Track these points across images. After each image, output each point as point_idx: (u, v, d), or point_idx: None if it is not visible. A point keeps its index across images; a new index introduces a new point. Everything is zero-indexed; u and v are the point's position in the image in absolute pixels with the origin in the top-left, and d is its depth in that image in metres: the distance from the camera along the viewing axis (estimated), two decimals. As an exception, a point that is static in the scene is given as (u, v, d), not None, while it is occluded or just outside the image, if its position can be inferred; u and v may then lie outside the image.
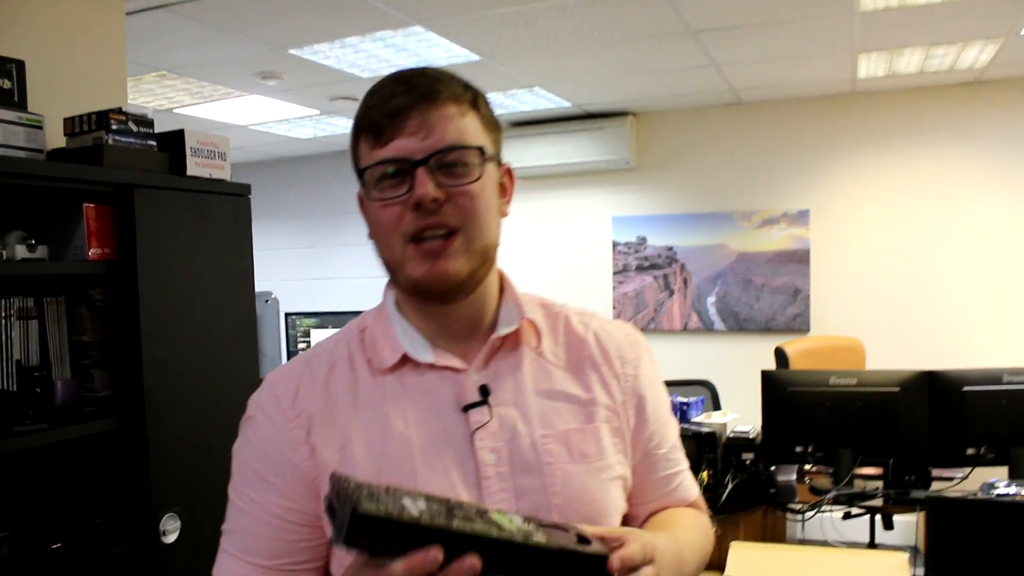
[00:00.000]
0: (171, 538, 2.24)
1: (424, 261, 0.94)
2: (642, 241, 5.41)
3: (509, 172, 1.05)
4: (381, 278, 1.02)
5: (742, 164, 5.17)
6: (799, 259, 5.01)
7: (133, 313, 2.20)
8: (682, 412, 3.37)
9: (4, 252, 2.04)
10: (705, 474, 3.02)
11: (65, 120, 2.23)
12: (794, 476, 3.02)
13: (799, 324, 5.00)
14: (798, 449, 2.93)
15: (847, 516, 3.06)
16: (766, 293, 5.10)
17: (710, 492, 2.95)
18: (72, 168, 2.12)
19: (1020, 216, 4.61)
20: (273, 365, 5.20)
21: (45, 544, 2.09)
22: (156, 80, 4.06)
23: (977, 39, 3.81)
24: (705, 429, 3.10)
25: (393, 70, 0.99)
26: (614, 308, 5.43)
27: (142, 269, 2.20)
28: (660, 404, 1.10)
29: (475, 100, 0.99)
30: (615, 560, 0.81)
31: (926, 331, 4.74)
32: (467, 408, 0.97)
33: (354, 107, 1.01)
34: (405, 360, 1.00)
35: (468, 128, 0.96)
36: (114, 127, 2.19)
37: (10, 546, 2.03)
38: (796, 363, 3.89)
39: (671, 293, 5.35)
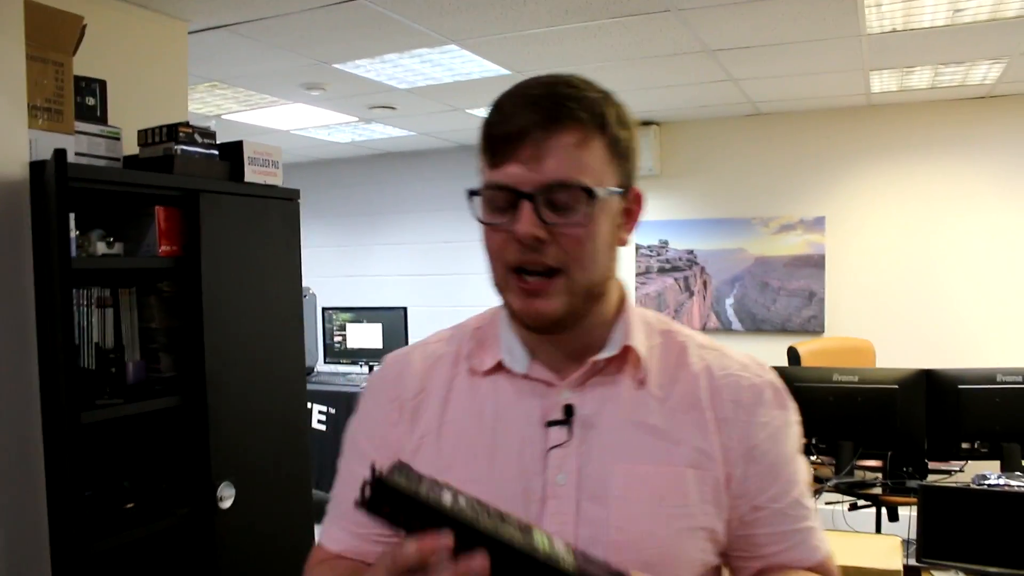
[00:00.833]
0: (227, 503, 2.44)
1: (522, 295, 0.91)
2: (664, 244, 5.49)
3: (638, 197, 0.97)
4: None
5: (761, 172, 5.24)
6: (815, 264, 5.09)
7: (196, 304, 2.41)
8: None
9: (87, 248, 2.26)
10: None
11: (139, 132, 2.46)
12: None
13: (814, 326, 5.09)
14: (803, 441, 3.09)
15: (853, 507, 3.17)
16: (782, 296, 5.18)
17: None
18: (146, 175, 2.33)
19: (1027, 226, 4.68)
20: (310, 356, 5.41)
21: (121, 504, 2.32)
22: (207, 89, 4.20)
23: (983, 60, 3.86)
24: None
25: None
26: (636, 308, 5.56)
27: (205, 265, 2.41)
28: (779, 455, 0.99)
29: (603, 124, 0.90)
30: None
31: (934, 334, 4.81)
32: (550, 424, 0.94)
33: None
34: (501, 366, 0.98)
35: (587, 161, 0.88)
36: (182, 138, 2.41)
37: (91, 504, 2.25)
38: (807, 362, 3.95)
39: (691, 294, 5.44)
